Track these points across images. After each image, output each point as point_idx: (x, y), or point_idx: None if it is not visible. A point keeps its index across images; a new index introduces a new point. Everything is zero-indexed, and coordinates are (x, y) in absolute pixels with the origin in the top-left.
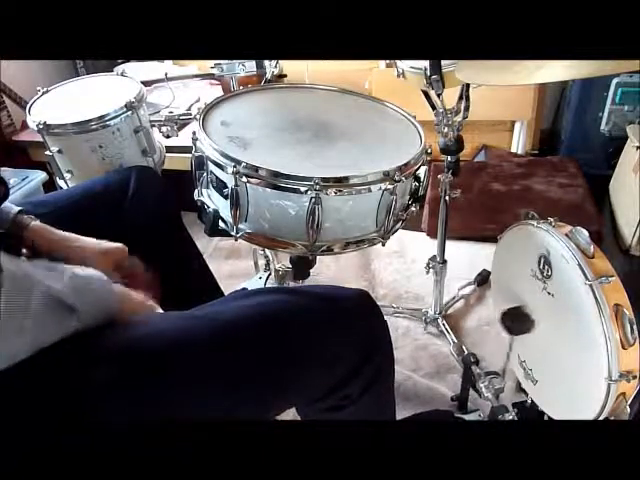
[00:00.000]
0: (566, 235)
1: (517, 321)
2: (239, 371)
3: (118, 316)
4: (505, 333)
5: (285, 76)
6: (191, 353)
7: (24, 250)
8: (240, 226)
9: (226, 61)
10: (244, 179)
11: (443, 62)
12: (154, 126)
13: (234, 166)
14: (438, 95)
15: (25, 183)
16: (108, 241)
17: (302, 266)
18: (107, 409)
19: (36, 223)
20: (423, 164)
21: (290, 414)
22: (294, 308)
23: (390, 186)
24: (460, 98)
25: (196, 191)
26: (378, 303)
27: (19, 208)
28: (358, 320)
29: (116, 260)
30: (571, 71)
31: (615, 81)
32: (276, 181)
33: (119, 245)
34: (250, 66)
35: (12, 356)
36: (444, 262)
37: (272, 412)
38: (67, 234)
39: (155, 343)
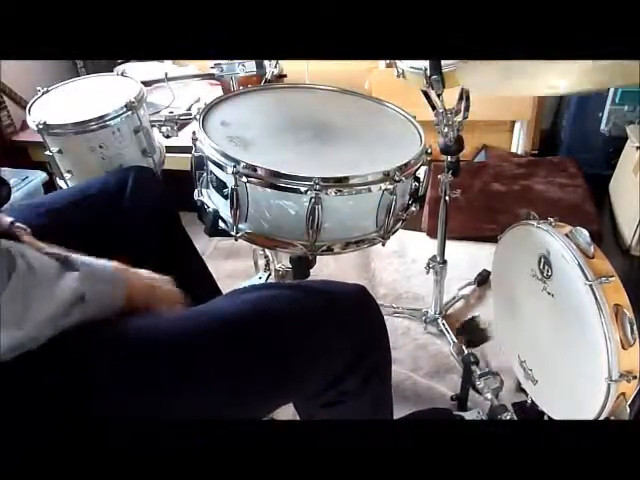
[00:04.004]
0: (566, 235)
1: (473, 333)
2: (237, 366)
3: (128, 305)
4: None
5: (285, 76)
6: (190, 348)
7: None
8: (240, 226)
9: (226, 61)
10: (244, 179)
11: (443, 62)
12: (154, 126)
13: (234, 166)
14: (438, 95)
15: (25, 183)
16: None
17: (302, 266)
18: (106, 405)
19: (28, 237)
20: (423, 164)
21: (290, 414)
22: (291, 303)
23: (390, 186)
24: (460, 98)
25: (196, 191)
26: (378, 303)
27: (11, 219)
28: (355, 315)
29: None
30: (573, 84)
31: None
32: (276, 181)
33: None
34: (250, 66)
35: (14, 347)
36: (444, 262)
37: (270, 407)
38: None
39: (153, 339)
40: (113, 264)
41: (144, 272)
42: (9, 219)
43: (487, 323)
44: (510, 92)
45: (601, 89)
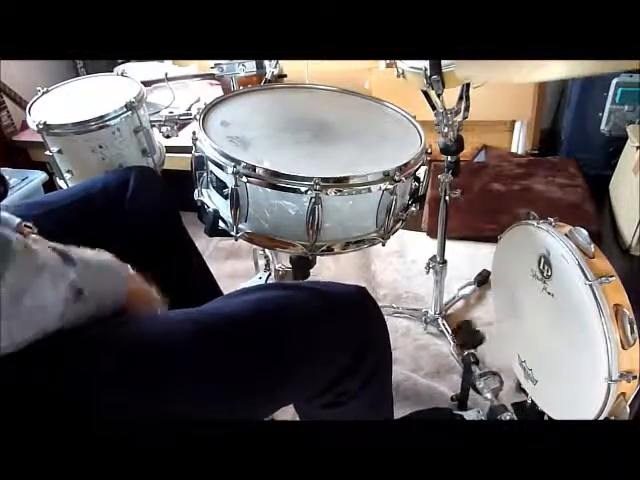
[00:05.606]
0: (566, 235)
1: (468, 335)
2: (239, 369)
3: (126, 302)
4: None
5: (285, 76)
6: (192, 351)
7: None
8: (240, 226)
9: (226, 61)
10: (244, 179)
11: (443, 62)
12: (154, 126)
13: (234, 166)
14: (438, 95)
15: (25, 183)
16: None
17: (302, 266)
18: (104, 405)
19: (35, 236)
20: (423, 164)
21: (290, 414)
22: (291, 304)
23: (390, 186)
24: (460, 98)
25: (196, 191)
26: (378, 303)
27: (19, 220)
28: (354, 316)
29: None
30: (573, 69)
31: (615, 81)
32: (276, 181)
33: None
34: (250, 66)
35: (14, 340)
36: (444, 262)
37: (270, 409)
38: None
39: (156, 341)
40: (116, 261)
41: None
42: (17, 219)
43: (479, 325)
44: (509, 79)
45: (604, 73)
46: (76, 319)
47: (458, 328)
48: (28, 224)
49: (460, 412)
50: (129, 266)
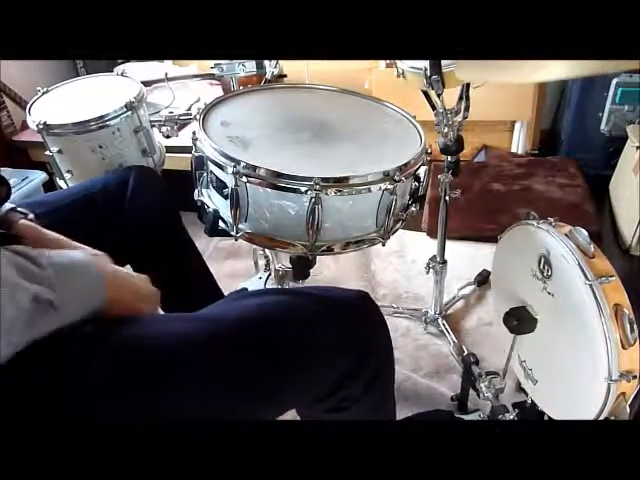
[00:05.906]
0: (566, 235)
1: (522, 320)
2: (240, 373)
3: (110, 305)
4: (509, 332)
5: (285, 76)
6: (193, 355)
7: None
8: (240, 226)
9: (226, 61)
10: (244, 179)
11: (443, 62)
12: (154, 126)
13: (234, 166)
14: (438, 95)
15: (25, 183)
16: (99, 251)
17: (302, 266)
18: (105, 406)
19: (24, 222)
20: (423, 164)
21: (290, 414)
22: (294, 310)
23: (390, 186)
24: (460, 98)
25: (196, 191)
26: (378, 303)
27: (12, 205)
28: (357, 322)
29: None
30: (574, 69)
31: (615, 81)
32: (276, 181)
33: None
34: (250, 66)
35: None
36: (444, 262)
37: (271, 414)
38: (57, 236)
39: (157, 344)
40: (92, 262)
41: (123, 270)
42: (10, 205)
43: (480, 325)
44: (509, 80)
45: (604, 73)
46: (48, 329)
47: (510, 312)
48: (22, 210)
49: (462, 416)
50: (109, 263)
